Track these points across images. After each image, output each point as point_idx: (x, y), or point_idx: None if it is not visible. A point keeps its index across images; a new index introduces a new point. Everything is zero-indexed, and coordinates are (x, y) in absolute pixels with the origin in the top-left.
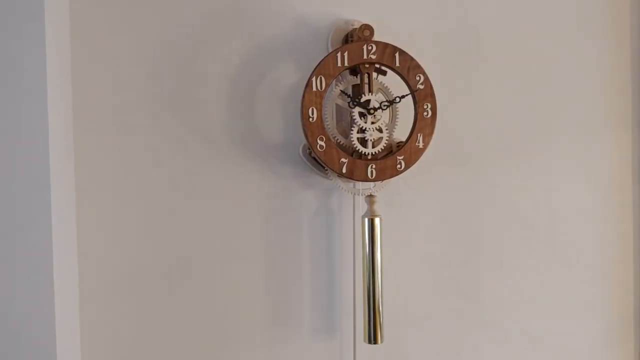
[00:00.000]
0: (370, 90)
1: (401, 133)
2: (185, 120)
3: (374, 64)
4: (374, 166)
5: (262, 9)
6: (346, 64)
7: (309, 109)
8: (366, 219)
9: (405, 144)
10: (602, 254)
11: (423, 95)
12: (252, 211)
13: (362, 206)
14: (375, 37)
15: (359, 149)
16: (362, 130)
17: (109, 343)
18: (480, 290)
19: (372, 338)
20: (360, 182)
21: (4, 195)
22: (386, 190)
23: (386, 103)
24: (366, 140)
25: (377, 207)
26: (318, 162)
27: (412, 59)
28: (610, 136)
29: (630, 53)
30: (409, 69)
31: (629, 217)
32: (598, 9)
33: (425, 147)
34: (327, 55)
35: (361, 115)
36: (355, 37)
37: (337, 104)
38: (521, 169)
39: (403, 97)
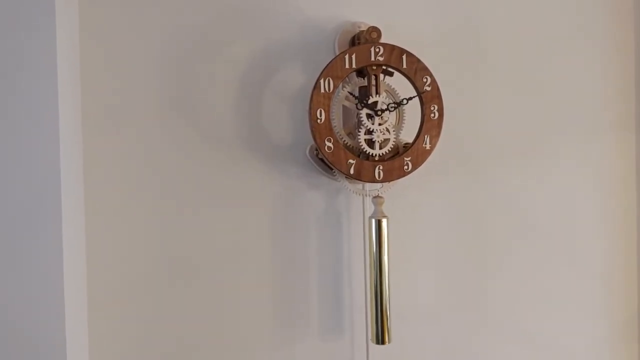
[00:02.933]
0: (377, 92)
1: (408, 134)
2: (193, 121)
3: (381, 65)
4: (381, 167)
5: (270, 11)
6: (354, 65)
7: (317, 110)
8: (373, 220)
9: (412, 145)
10: (605, 254)
11: (430, 97)
12: (260, 212)
13: (369, 207)
14: (382, 40)
15: (366, 150)
16: (369, 132)
17: (117, 344)
18: (486, 290)
19: (380, 338)
20: (368, 183)
21: (14, 197)
22: (393, 191)
23: (393, 105)
24: (373, 142)
25: (384, 208)
26: (325, 163)
27: (419, 60)
28: (612, 136)
29: (633, 53)
30: (416, 71)
31: (632, 217)
32: (599, 9)
33: (432, 148)
34: (335, 57)
35: (369, 116)
36: (363, 39)
37: (344, 106)
38: (526, 169)
39: (410, 99)
